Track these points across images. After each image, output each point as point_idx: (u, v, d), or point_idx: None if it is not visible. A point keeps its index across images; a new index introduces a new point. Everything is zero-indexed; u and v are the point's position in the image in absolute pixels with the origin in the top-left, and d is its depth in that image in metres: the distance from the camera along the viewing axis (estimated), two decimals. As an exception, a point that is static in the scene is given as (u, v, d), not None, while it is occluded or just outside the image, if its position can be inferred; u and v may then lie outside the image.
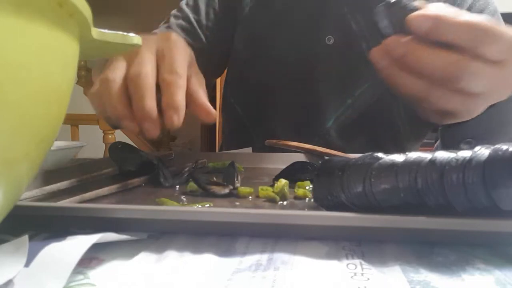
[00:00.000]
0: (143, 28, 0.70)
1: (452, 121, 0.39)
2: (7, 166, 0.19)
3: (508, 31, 0.31)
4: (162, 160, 0.45)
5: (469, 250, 0.24)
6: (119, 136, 1.59)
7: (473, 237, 0.25)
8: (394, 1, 0.34)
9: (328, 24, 0.67)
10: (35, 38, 0.19)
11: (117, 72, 0.38)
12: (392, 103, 0.66)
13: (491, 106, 0.38)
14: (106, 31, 0.25)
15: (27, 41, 0.18)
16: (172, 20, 0.72)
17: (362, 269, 0.22)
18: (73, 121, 1.78)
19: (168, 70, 0.37)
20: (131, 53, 0.38)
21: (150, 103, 0.36)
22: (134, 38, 0.26)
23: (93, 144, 1.04)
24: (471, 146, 0.24)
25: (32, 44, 0.19)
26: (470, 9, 0.65)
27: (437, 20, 0.31)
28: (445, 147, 0.50)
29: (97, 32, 0.24)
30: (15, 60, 0.18)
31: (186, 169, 0.45)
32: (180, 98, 0.36)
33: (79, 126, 1.83)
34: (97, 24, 0.23)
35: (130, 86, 0.37)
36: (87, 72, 2.02)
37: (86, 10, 0.22)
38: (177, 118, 0.36)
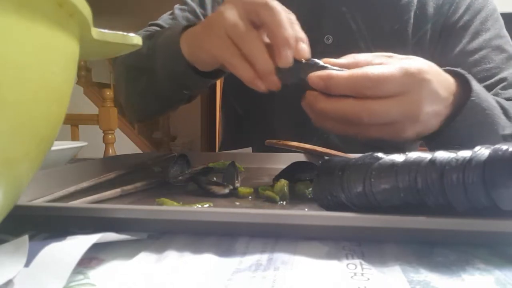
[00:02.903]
0: (143, 28, 0.71)
1: (407, 132, 0.40)
2: (7, 166, 0.19)
3: (401, 65, 0.35)
4: (186, 158, 0.46)
5: (469, 250, 0.24)
6: (119, 136, 1.59)
7: (473, 237, 0.25)
8: (305, 62, 0.38)
9: (327, 23, 0.67)
10: (35, 38, 0.19)
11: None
12: None
13: (457, 116, 0.40)
14: (106, 31, 0.25)
15: (27, 41, 0.18)
16: (178, 12, 0.72)
17: (362, 269, 0.22)
18: (73, 121, 1.78)
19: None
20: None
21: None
22: (134, 38, 0.26)
23: (93, 144, 1.03)
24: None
25: (32, 44, 0.19)
26: (468, 8, 0.65)
27: (327, 80, 0.36)
28: None
29: (97, 32, 0.24)
30: (15, 60, 0.18)
31: (189, 171, 0.45)
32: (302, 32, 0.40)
33: (79, 126, 1.83)
34: (97, 24, 0.23)
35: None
36: (87, 72, 2.02)
37: (86, 10, 0.22)
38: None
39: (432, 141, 0.42)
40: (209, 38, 0.41)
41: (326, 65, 0.38)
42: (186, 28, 0.48)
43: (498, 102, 0.46)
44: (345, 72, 0.35)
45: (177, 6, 0.74)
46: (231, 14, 0.39)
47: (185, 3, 0.73)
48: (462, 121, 0.40)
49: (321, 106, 0.37)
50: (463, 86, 0.41)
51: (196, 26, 0.47)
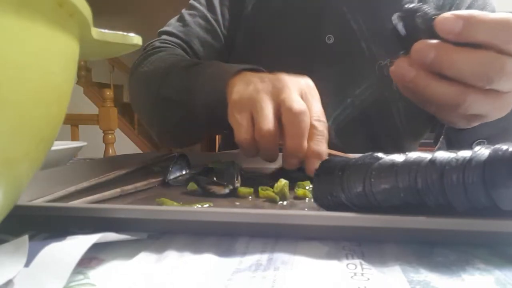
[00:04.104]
0: (143, 28, 0.70)
1: (479, 123, 0.38)
2: (7, 166, 0.19)
3: None
4: (186, 158, 0.46)
5: (469, 250, 0.24)
6: (119, 136, 1.59)
7: (473, 237, 0.25)
8: (414, 7, 0.33)
9: (328, 23, 0.67)
10: (35, 38, 0.19)
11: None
12: (391, 102, 0.67)
13: None
14: (106, 31, 0.25)
15: (27, 41, 0.18)
16: (189, 18, 0.71)
17: (362, 269, 0.22)
18: (73, 121, 1.79)
19: (316, 117, 0.39)
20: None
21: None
22: (134, 38, 0.26)
23: (93, 144, 1.04)
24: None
25: (32, 44, 0.19)
26: (468, 9, 0.65)
27: (469, 20, 0.30)
28: (452, 148, 0.50)
29: (97, 32, 0.24)
30: (15, 60, 0.18)
31: (189, 171, 0.45)
32: (325, 148, 0.39)
33: (79, 126, 1.83)
34: (97, 24, 0.23)
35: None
36: (87, 72, 2.02)
37: (86, 10, 0.22)
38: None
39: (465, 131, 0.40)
40: (237, 111, 0.41)
41: (437, 12, 0.32)
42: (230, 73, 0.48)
43: None
44: (492, 16, 0.30)
45: (185, 11, 0.73)
46: (262, 103, 0.39)
47: (193, 8, 0.73)
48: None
49: (451, 56, 0.31)
50: None
51: (238, 81, 0.45)
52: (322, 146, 0.39)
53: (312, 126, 0.39)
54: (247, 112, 0.40)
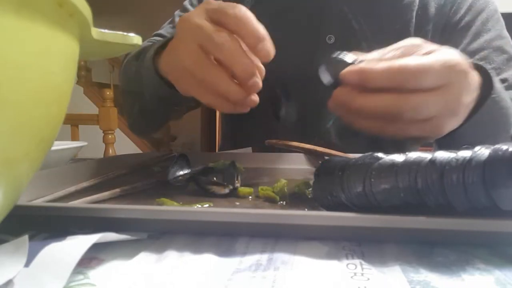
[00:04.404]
0: (143, 28, 0.70)
1: (427, 140, 0.39)
2: (7, 166, 0.19)
3: (439, 57, 0.33)
4: (186, 158, 0.46)
5: (469, 250, 0.24)
6: (119, 136, 1.60)
7: (473, 237, 0.25)
8: (331, 58, 0.36)
9: (329, 23, 0.67)
10: (35, 38, 0.19)
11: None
12: None
13: (474, 112, 0.39)
14: (106, 31, 0.25)
15: (27, 41, 0.18)
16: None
17: (362, 269, 0.22)
18: (73, 121, 1.78)
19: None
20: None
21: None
22: (134, 38, 0.26)
23: (93, 144, 1.04)
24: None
25: (32, 44, 0.19)
26: (469, 9, 0.65)
27: (362, 73, 0.33)
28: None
29: (97, 32, 0.24)
30: (15, 60, 0.18)
31: (189, 171, 0.45)
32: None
33: (79, 126, 1.83)
34: (97, 24, 0.23)
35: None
36: (87, 72, 2.02)
37: (86, 10, 0.22)
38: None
39: (446, 138, 0.41)
40: (176, 51, 0.39)
41: (353, 60, 0.35)
42: (163, 45, 0.46)
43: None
44: (383, 65, 0.33)
45: (177, 13, 0.73)
46: (198, 19, 0.37)
47: (185, 10, 0.73)
48: (480, 117, 0.39)
49: (359, 103, 0.34)
50: (484, 81, 0.40)
51: (165, 55, 0.44)
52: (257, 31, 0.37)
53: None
54: (191, 39, 0.37)
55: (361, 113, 0.35)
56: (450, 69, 0.33)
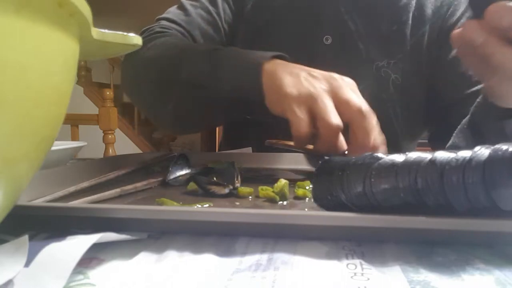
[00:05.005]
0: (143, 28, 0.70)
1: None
2: (7, 166, 0.19)
3: None
4: (186, 158, 0.46)
5: (469, 250, 0.24)
6: (119, 136, 1.59)
7: (473, 237, 0.25)
8: None
9: (326, 24, 0.67)
10: (35, 38, 0.19)
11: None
12: (388, 103, 0.67)
13: None
14: (106, 31, 0.25)
15: (27, 41, 0.18)
16: (190, 8, 0.70)
17: (362, 269, 0.22)
18: (73, 121, 1.78)
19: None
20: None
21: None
22: (134, 38, 0.26)
23: (93, 144, 1.04)
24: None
25: (32, 44, 0.19)
26: (465, 11, 0.66)
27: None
28: (480, 138, 0.49)
29: (97, 32, 0.24)
30: (15, 60, 0.18)
31: (189, 171, 0.45)
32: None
33: (79, 126, 1.83)
34: (97, 24, 0.23)
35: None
36: (87, 72, 2.01)
37: (86, 10, 0.22)
38: None
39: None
40: (296, 105, 0.43)
41: None
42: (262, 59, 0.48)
43: None
44: None
45: (186, 1, 0.72)
46: (324, 100, 0.42)
47: None
48: None
49: (484, 45, 0.32)
50: None
51: (280, 71, 0.47)
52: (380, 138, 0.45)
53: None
54: (307, 107, 0.43)
55: (478, 52, 0.33)
56: None
